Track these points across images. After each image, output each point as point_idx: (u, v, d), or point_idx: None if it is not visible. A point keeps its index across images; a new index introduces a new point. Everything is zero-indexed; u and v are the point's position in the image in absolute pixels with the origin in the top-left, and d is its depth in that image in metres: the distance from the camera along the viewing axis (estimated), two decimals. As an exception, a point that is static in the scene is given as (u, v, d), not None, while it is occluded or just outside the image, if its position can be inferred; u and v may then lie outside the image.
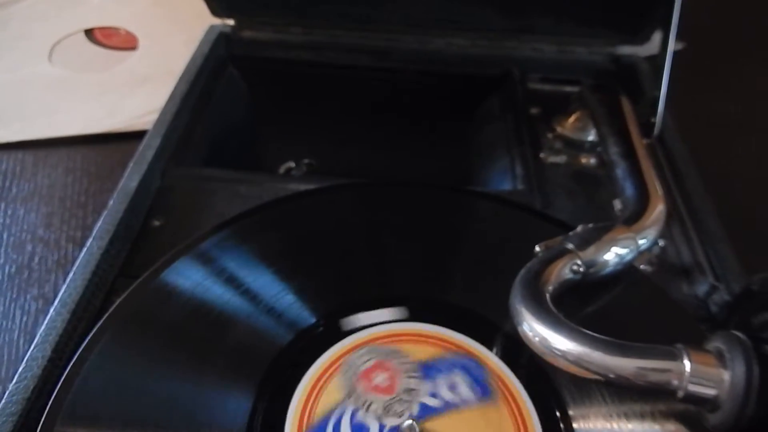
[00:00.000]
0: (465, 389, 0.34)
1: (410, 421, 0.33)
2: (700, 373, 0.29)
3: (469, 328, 0.37)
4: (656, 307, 0.40)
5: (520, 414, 0.34)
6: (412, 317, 0.38)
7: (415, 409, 0.33)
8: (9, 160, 0.65)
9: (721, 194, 0.48)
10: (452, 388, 0.34)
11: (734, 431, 0.29)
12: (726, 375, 0.29)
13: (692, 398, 0.30)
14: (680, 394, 0.30)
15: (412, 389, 0.34)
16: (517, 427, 0.33)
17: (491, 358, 0.36)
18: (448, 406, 0.34)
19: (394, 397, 0.33)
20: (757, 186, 0.62)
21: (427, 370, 0.35)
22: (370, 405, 0.33)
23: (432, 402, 0.34)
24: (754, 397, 0.28)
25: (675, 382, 0.30)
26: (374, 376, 0.34)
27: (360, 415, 0.33)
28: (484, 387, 0.35)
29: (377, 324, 0.37)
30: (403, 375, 0.34)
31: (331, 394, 0.34)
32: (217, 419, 0.33)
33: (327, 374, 0.35)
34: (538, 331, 0.32)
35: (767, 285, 0.34)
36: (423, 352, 0.36)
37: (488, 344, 0.37)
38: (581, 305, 0.38)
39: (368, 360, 0.35)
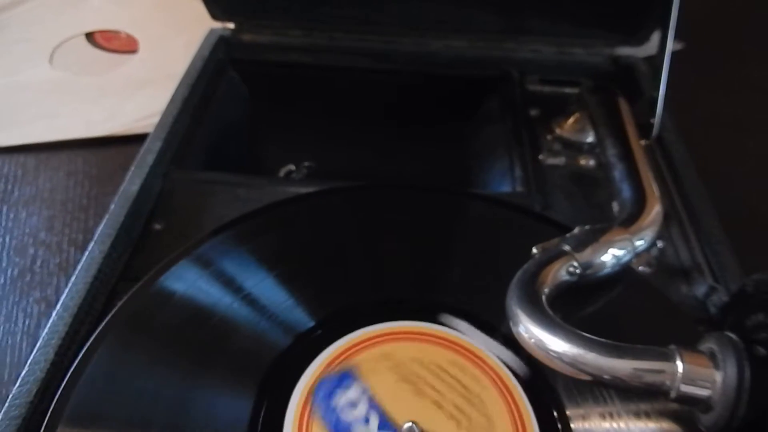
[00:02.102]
0: (351, 392, 0.35)
1: (410, 423, 0.33)
2: (693, 374, 0.30)
3: (468, 329, 0.38)
4: (654, 309, 0.40)
5: (519, 415, 0.34)
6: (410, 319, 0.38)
7: None
8: (10, 163, 0.66)
9: (720, 195, 0.48)
10: (352, 404, 0.34)
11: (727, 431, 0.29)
12: (718, 376, 0.29)
13: (685, 399, 0.30)
14: (673, 394, 0.30)
15: None
16: (516, 428, 0.33)
17: (497, 363, 0.36)
18: (372, 405, 0.34)
19: None
20: (756, 187, 0.62)
21: (339, 427, 0.34)
22: None
23: (373, 419, 0.34)
24: (746, 398, 0.28)
25: (667, 383, 0.30)
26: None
27: None
28: (342, 375, 0.35)
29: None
30: None
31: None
32: (218, 422, 0.33)
33: (325, 373, 0.35)
34: (533, 333, 0.32)
35: (761, 286, 0.34)
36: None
37: (486, 345, 0.37)
38: (580, 307, 0.39)
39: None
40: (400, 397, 0.34)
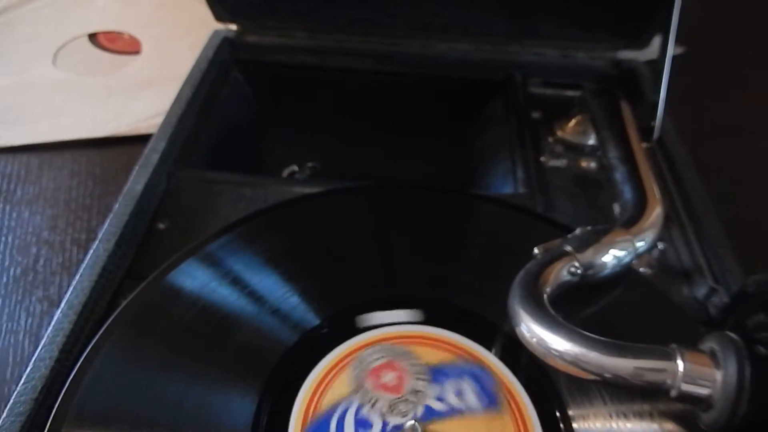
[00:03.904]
0: (472, 397, 0.34)
1: (413, 422, 0.33)
2: (694, 372, 0.30)
3: (471, 329, 0.38)
4: (655, 309, 0.40)
5: (521, 415, 0.34)
6: (415, 319, 0.38)
7: (420, 411, 0.34)
8: (14, 162, 0.66)
9: (720, 197, 0.49)
10: (459, 394, 0.35)
11: (727, 430, 0.29)
12: (719, 375, 0.30)
13: (686, 397, 0.30)
14: (674, 393, 0.30)
15: (419, 391, 0.34)
16: (517, 427, 0.33)
17: (497, 365, 0.36)
18: (452, 412, 0.34)
19: (400, 397, 0.34)
20: (756, 188, 0.63)
21: (437, 374, 0.35)
22: (375, 402, 0.34)
23: (437, 406, 0.34)
24: (746, 397, 0.29)
25: (668, 382, 0.30)
26: (383, 374, 0.35)
27: (365, 411, 0.33)
28: (491, 397, 0.35)
29: (386, 325, 0.38)
30: (411, 376, 0.35)
31: (338, 388, 0.35)
32: (223, 419, 0.33)
33: (332, 374, 0.35)
34: (535, 332, 0.33)
35: (761, 287, 0.34)
36: (434, 356, 0.36)
37: (489, 345, 0.37)
38: (581, 307, 0.39)
39: (380, 358, 0.35)
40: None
